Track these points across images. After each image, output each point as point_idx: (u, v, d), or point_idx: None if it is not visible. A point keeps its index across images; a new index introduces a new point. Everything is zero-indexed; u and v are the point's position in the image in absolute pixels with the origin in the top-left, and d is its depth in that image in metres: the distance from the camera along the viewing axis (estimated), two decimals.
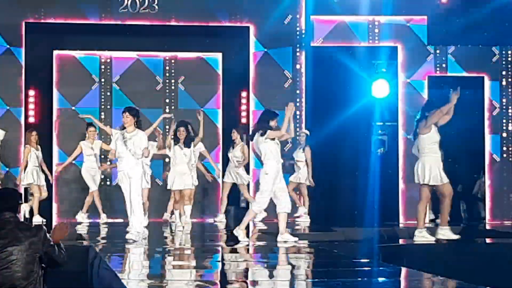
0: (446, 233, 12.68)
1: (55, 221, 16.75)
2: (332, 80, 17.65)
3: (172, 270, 9.57)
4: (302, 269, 9.94)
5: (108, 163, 16.79)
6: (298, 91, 17.67)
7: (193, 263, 10.46)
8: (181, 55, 17.90)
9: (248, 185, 16.65)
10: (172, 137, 14.60)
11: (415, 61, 17.94)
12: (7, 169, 16.71)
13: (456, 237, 12.79)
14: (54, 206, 17.27)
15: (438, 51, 18.05)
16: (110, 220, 16.20)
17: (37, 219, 15.56)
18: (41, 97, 17.22)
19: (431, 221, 15.99)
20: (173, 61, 17.89)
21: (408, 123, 17.91)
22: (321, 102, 17.61)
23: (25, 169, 15.75)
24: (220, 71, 17.85)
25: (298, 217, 16.56)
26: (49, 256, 7.01)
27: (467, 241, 14.22)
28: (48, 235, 7.04)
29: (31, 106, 17.12)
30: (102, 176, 16.93)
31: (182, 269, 9.66)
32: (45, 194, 16.09)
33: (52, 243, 7.03)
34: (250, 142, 14.34)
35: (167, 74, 17.86)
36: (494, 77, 18.11)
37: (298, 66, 17.72)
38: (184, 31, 17.54)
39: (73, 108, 17.42)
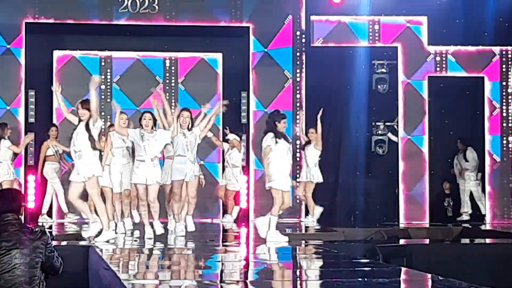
0: None
1: (55, 221, 16.75)
2: (332, 80, 17.66)
3: (173, 270, 9.57)
4: (302, 269, 9.95)
5: None
6: (298, 91, 17.68)
7: (194, 263, 10.46)
8: (181, 55, 17.90)
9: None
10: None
11: (415, 61, 17.96)
12: None
13: None
14: (54, 204, 17.24)
15: (438, 51, 18.07)
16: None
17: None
18: (41, 97, 17.23)
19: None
20: (173, 61, 17.90)
21: (409, 123, 17.93)
22: (321, 102, 17.62)
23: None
24: (220, 71, 17.86)
25: None
26: (48, 263, 6.96)
27: (467, 241, 14.23)
28: (50, 240, 7.00)
29: (31, 106, 17.12)
30: None
31: (183, 269, 9.66)
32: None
33: (53, 249, 6.99)
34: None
35: (167, 74, 17.87)
36: (494, 78, 18.12)
37: (298, 66, 17.73)
38: (184, 31, 17.55)
39: (73, 108, 17.41)
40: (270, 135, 12.17)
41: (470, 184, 17.69)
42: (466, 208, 17.72)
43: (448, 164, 18.16)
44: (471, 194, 17.76)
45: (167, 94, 17.79)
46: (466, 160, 17.67)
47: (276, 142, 12.05)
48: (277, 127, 12.15)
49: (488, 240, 13.70)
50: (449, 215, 17.98)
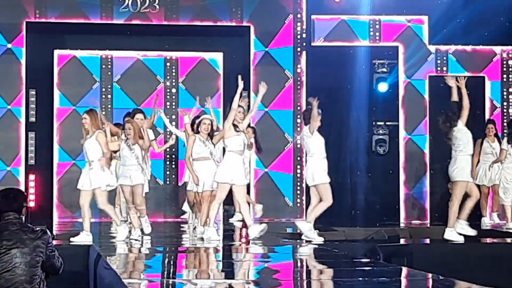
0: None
1: (55, 223, 16.76)
2: (332, 80, 17.65)
3: (174, 270, 9.57)
4: (302, 269, 9.95)
5: None
6: (298, 91, 17.68)
7: (195, 262, 10.47)
8: (182, 54, 17.90)
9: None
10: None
11: (416, 60, 17.95)
12: (7, 168, 16.72)
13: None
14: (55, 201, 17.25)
15: (438, 51, 18.06)
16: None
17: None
18: (41, 97, 17.23)
19: None
20: (174, 60, 17.90)
21: (409, 123, 17.93)
22: (321, 102, 17.58)
23: None
24: (220, 71, 17.86)
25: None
26: (49, 262, 6.96)
27: (467, 241, 14.22)
28: (51, 239, 7.00)
29: (32, 106, 17.12)
30: None
31: (184, 268, 9.66)
32: None
33: (53, 248, 6.99)
34: None
35: (168, 74, 17.87)
36: (494, 77, 18.11)
37: (298, 66, 17.73)
38: (185, 30, 17.55)
39: (74, 107, 17.43)
40: None
41: None
42: None
43: (448, 164, 18.10)
44: None
45: (168, 93, 17.80)
46: None
47: None
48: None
49: (488, 240, 13.69)
50: None
